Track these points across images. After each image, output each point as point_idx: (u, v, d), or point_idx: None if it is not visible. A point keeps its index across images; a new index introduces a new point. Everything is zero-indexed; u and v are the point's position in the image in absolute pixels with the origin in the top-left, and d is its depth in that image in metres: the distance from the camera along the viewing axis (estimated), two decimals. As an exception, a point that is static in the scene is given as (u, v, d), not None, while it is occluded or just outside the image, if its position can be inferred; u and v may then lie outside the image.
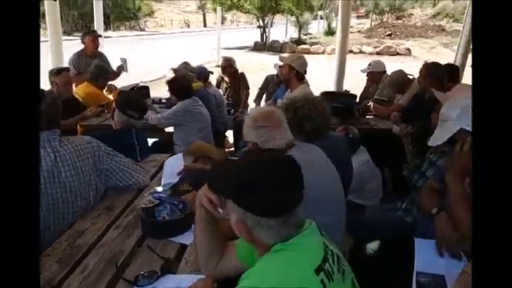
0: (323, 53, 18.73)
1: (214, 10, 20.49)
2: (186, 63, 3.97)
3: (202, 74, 4.34)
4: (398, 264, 1.70)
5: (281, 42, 21.23)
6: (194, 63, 7.43)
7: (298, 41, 21.50)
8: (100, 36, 4.57)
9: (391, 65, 7.03)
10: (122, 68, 4.52)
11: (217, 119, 4.12)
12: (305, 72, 3.41)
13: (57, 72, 3.37)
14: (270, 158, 1.00)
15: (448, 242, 1.55)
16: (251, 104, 5.19)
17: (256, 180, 0.90)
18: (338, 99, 4.00)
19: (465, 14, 5.90)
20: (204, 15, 42.09)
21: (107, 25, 32.94)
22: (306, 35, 25.30)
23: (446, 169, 1.63)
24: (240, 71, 5.16)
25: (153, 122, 3.39)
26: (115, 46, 18.72)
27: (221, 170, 1.06)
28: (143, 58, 14.30)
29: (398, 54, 18.95)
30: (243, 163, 1.00)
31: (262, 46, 20.96)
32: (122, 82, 4.65)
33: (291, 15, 22.18)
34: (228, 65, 4.99)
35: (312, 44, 20.63)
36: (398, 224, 2.10)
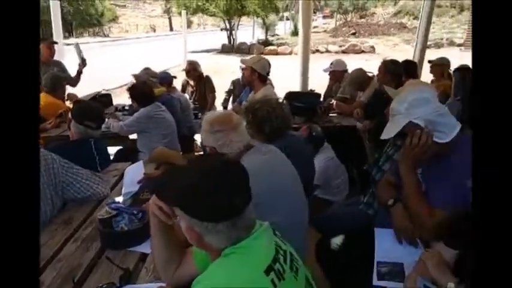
0: (290, 53, 18.96)
1: (180, 14, 20.31)
2: (147, 69, 3.92)
3: (166, 79, 4.30)
4: (362, 257, 1.75)
5: (248, 44, 21.33)
6: (160, 67, 7.34)
7: (266, 42, 21.66)
8: (55, 43, 4.43)
9: (357, 63, 7.23)
10: (81, 65, 4.38)
11: (184, 123, 4.10)
12: (267, 73, 3.45)
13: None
14: (215, 162, 1.00)
15: (404, 231, 1.61)
16: (218, 107, 5.19)
17: (201, 186, 0.91)
18: (302, 98, 4.06)
19: (421, 11, 6.14)
20: (169, 19, 41.62)
21: (70, 32, 31.99)
22: (273, 36, 25.53)
23: (399, 162, 1.70)
24: (205, 74, 5.15)
25: (114, 130, 3.33)
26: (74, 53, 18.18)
27: (167, 178, 1.06)
28: (106, 65, 13.99)
29: (363, 52, 19.46)
30: (188, 169, 0.99)
31: (230, 48, 20.97)
32: (83, 90, 4.53)
33: (257, 17, 22.30)
34: (193, 69, 4.97)
35: (279, 44, 20.84)
36: (361, 217, 2.16)
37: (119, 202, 1.57)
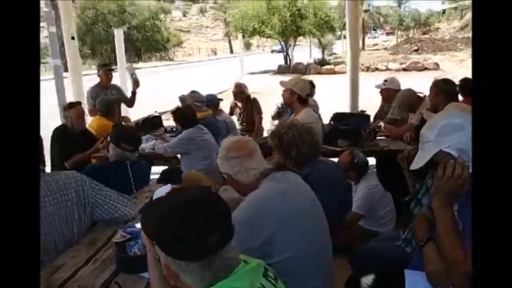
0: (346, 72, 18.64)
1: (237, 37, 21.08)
2: (193, 92, 4.05)
3: (212, 101, 4.42)
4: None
5: (305, 64, 21.37)
6: (218, 89, 7.56)
7: (322, 62, 21.55)
8: (112, 69, 4.77)
9: (419, 81, 6.82)
10: (135, 85, 4.67)
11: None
12: (307, 95, 3.38)
13: (69, 107, 3.52)
14: (192, 195, 0.94)
15: (436, 276, 1.43)
16: (267, 126, 5.19)
17: (172, 221, 0.87)
18: (348, 120, 3.92)
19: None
20: (229, 42, 43.26)
21: (138, 57, 34.60)
22: (330, 55, 25.36)
23: (433, 195, 1.53)
24: (259, 94, 5.21)
25: (159, 151, 3.47)
26: (143, 77, 19.55)
27: (149, 210, 1.02)
28: (168, 87, 14.75)
29: (426, 69, 18.53)
30: (165, 201, 0.96)
31: (286, 69, 21.16)
32: (142, 112, 4.80)
33: (313, 37, 22.33)
34: (240, 91, 5.06)
35: (337, 63, 20.60)
36: (397, 255, 1.97)
37: (134, 226, 1.60)
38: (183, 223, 0.86)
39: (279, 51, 24.05)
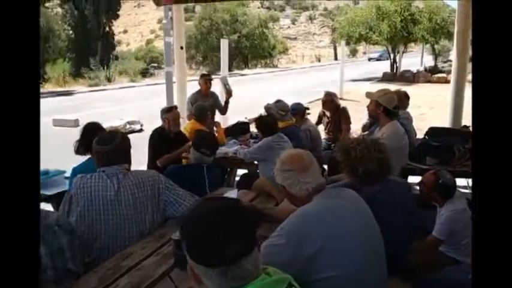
0: (469, 82, 16.81)
1: (345, 43, 20.69)
2: (278, 101, 4.14)
3: (297, 110, 4.44)
4: None
5: (414, 71, 19.92)
6: (315, 96, 7.54)
7: (434, 70, 19.83)
8: (211, 79, 5.13)
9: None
10: (228, 95, 4.96)
11: (312, 153, 4.13)
12: (395, 108, 3.18)
13: (167, 110, 3.92)
14: (219, 207, 0.99)
15: None
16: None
17: (197, 229, 0.93)
18: (443, 136, 3.58)
19: None
20: (335, 48, 42.60)
21: (245, 64, 36.39)
22: (445, 62, 23.16)
23: None
24: (350, 104, 5.10)
25: (240, 156, 3.63)
26: (247, 83, 20.61)
27: (184, 216, 1.09)
28: (266, 94, 15.22)
29: None
30: (194, 211, 1.02)
31: (392, 76, 20.02)
32: (235, 117, 5.05)
33: (426, 43, 20.69)
34: (329, 100, 4.98)
35: (450, 72, 18.71)
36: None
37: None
38: (203, 232, 0.92)
39: (378, 59, 22.92)
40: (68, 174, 2.92)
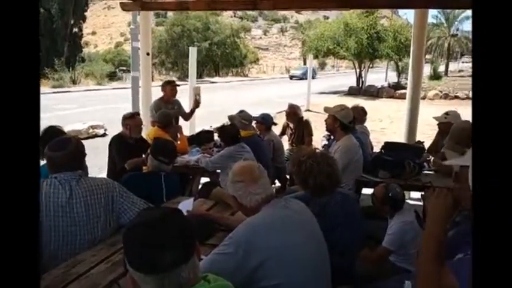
0: (424, 98, 17.66)
1: (314, 56, 21.21)
2: (241, 112, 4.21)
3: (266, 120, 4.54)
4: None
5: (378, 86, 20.73)
6: (283, 107, 7.69)
7: (397, 86, 20.70)
8: (178, 85, 5.14)
9: None
10: (195, 104, 5.01)
11: (274, 163, 4.24)
12: (350, 123, 3.34)
13: (130, 116, 3.89)
14: (158, 216, 1.02)
15: None
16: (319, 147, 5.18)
17: (135, 237, 0.97)
18: (396, 150, 3.77)
19: None
20: (304, 61, 43.55)
21: (216, 72, 36.45)
22: (407, 79, 24.24)
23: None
24: (304, 118, 5.26)
25: (202, 165, 3.66)
26: (217, 91, 20.63)
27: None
28: (235, 102, 15.30)
29: None
30: (135, 219, 1.06)
31: (357, 91, 20.72)
32: (202, 125, 5.04)
33: (390, 60, 21.61)
34: (292, 112, 5.13)
35: (412, 89, 19.62)
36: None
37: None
38: (141, 239, 0.96)
39: (301, 78, 24.06)
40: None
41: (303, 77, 24.85)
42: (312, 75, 28.20)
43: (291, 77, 34.16)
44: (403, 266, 2.76)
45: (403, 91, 19.01)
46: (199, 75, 25.74)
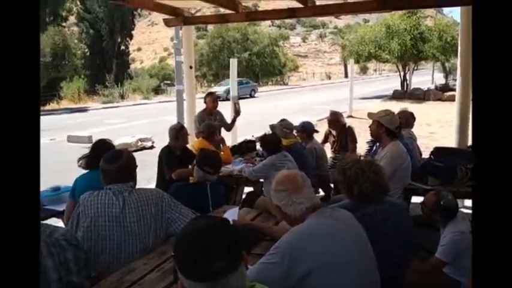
0: (475, 99, 16.70)
1: (355, 61, 20.85)
2: (282, 120, 4.23)
3: (307, 128, 4.52)
4: None
5: (424, 89, 19.90)
6: (325, 114, 7.66)
7: (445, 88, 19.75)
8: (219, 97, 5.27)
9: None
10: (236, 114, 5.10)
11: (317, 171, 4.19)
12: (396, 128, 3.23)
13: (181, 128, 4.03)
14: (207, 225, 1.05)
15: None
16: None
17: (186, 246, 1.00)
18: (447, 156, 3.60)
19: None
20: (345, 66, 42.86)
21: (257, 81, 36.84)
22: (456, 80, 23.08)
23: None
24: (347, 125, 5.17)
25: (245, 175, 3.70)
26: (257, 101, 20.81)
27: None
28: (276, 111, 15.32)
29: None
30: (184, 229, 1.10)
31: (402, 94, 20.01)
32: (244, 134, 5.10)
33: (436, 61, 20.70)
34: (335, 119, 5.06)
35: (461, 90, 18.64)
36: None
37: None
38: (191, 248, 0.99)
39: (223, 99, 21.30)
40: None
41: (227, 97, 20.21)
42: (250, 93, 26.16)
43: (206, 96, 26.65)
44: (457, 279, 2.61)
45: (451, 93, 18.09)
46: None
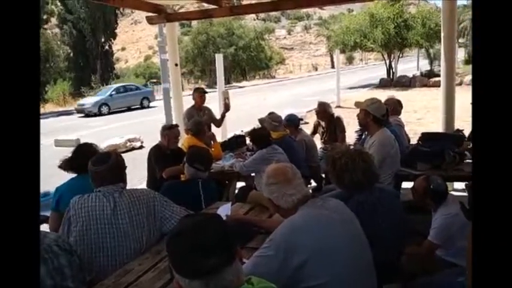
0: (460, 84, 16.91)
1: (341, 51, 20.89)
2: (270, 113, 4.23)
3: (292, 121, 4.53)
4: None
5: (410, 76, 20.09)
6: (313, 106, 7.70)
7: (430, 74, 19.96)
8: (206, 92, 5.23)
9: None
10: (225, 109, 5.11)
11: (307, 163, 4.21)
12: (383, 116, 3.26)
13: (169, 128, 4.00)
14: (198, 222, 1.05)
15: None
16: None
17: (179, 244, 1.00)
18: (436, 141, 3.64)
19: None
20: (331, 56, 42.96)
21: (243, 76, 36.70)
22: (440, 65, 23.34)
23: None
24: (335, 115, 5.20)
25: (236, 169, 3.70)
26: (245, 95, 20.79)
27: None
28: (264, 105, 15.32)
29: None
30: (175, 227, 1.10)
31: (389, 82, 20.18)
32: (234, 129, 5.02)
33: (421, 48, 20.88)
34: (323, 110, 5.07)
35: (446, 75, 18.84)
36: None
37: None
38: (184, 246, 0.99)
39: (92, 114, 17.28)
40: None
41: (96, 113, 17.81)
42: (141, 103, 18.58)
43: (79, 111, 18.86)
44: (450, 260, 2.66)
45: (437, 79, 18.32)
46: (227, 81, 25.95)
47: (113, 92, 19.17)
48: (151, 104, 20.08)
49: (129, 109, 19.30)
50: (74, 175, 2.58)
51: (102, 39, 32.87)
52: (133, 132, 10.42)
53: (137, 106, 19.72)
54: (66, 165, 2.58)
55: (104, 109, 18.24)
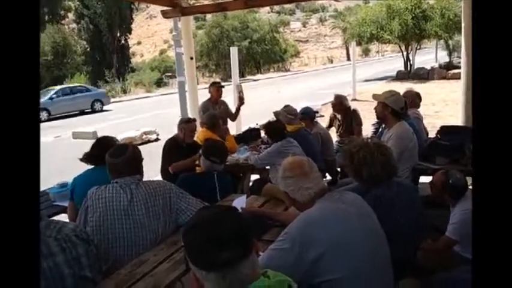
0: (481, 76, 16.46)
1: (357, 43, 20.58)
2: (286, 106, 4.19)
3: (308, 114, 4.48)
4: None
5: (428, 68, 19.65)
6: (329, 99, 7.62)
7: (449, 66, 19.48)
8: (222, 86, 5.23)
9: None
10: (240, 102, 5.08)
11: (323, 156, 4.17)
12: (402, 109, 3.19)
13: (186, 121, 4.02)
14: (214, 215, 1.04)
15: None
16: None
17: (195, 237, 0.99)
18: (454, 135, 3.56)
19: None
20: (347, 49, 42.37)
21: (258, 69, 36.57)
22: (460, 57, 22.75)
23: None
24: (352, 107, 5.13)
25: (251, 162, 3.70)
26: (260, 89, 20.75)
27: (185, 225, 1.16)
28: (279, 98, 15.23)
29: None
30: (191, 220, 1.09)
31: (406, 75, 19.79)
32: (249, 122, 5.02)
33: (439, 39, 20.38)
34: (339, 103, 5.02)
35: (466, 67, 18.38)
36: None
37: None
38: (201, 238, 0.99)
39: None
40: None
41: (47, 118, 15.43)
42: (92, 106, 16.52)
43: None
44: (468, 257, 2.60)
45: (456, 71, 17.86)
46: (242, 74, 25.91)
47: (54, 95, 16.70)
48: (105, 108, 17.83)
49: (83, 113, 17.25)
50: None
51: (118, 34, 33.22)
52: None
53: (88, 110, 17.49)
54: (86, 158, 2.62)
55: (43, 114, 15.34)
